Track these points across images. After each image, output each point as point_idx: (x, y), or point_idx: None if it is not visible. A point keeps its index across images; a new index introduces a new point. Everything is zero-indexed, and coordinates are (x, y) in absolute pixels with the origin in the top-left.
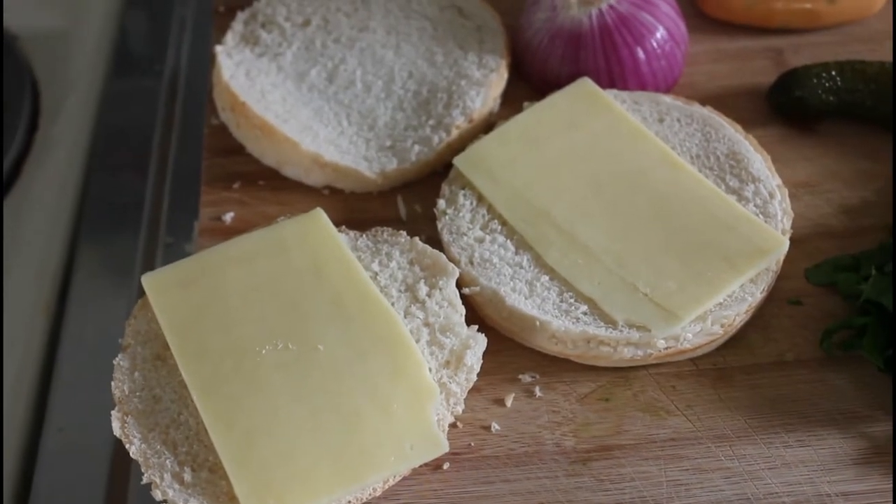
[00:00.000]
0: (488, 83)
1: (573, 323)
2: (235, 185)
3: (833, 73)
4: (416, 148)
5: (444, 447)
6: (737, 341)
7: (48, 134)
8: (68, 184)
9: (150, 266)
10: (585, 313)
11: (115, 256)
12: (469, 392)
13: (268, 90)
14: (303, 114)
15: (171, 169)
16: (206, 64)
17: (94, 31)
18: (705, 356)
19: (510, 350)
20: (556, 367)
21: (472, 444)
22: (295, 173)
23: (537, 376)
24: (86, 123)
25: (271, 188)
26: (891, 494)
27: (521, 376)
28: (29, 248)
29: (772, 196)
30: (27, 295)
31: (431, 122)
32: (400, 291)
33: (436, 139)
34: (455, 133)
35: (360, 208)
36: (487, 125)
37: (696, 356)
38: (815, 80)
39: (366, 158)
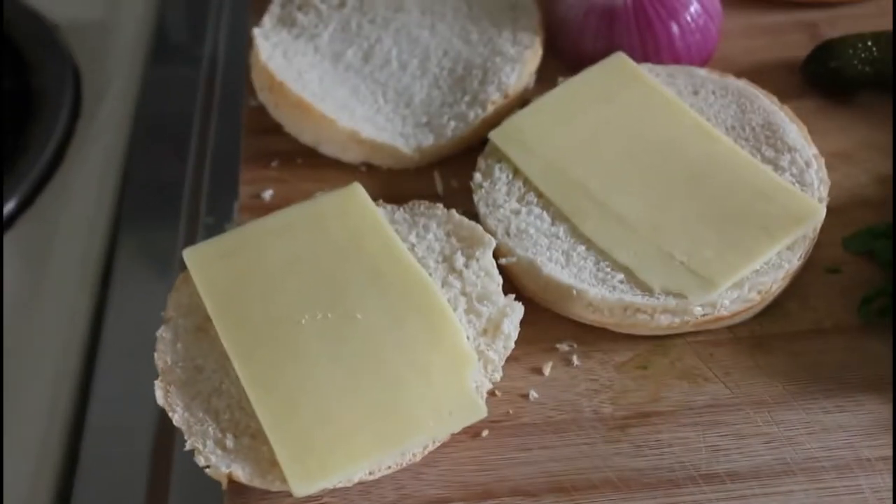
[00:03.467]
0: (523, 59)
1: (610, 291)
2: (274, 164)
3: (869, 43)
4: (452, 124)
5: (483, 412)
6: (774, 309)
7: (90, 121)
8: (110, 168)
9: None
10: (622, 282)
11: (157, 238)
12: (507, 361)
13: (305, 70)
14: (339, 93)
15: (210, 151)
16: (243, 48)
17: (133, 18)
18: (742, 324)
19: (547, 320)
20: (593, 336)
21: (511, 412)
22: (332, 151)
23: (575, 345)
24: (127, 110)
25: (309, 166)
26: None
27: (558, 345)
28: (72, 232)
29: (808, 165)
30: (72, 277)
31: (467, 98)
32: (437, 262)
33: (471, 115)
34: (491, 109)
35: (396, 184)
36: (522, 101)
37: (734, 324)
38: (850, 51)
39: (402, 135)
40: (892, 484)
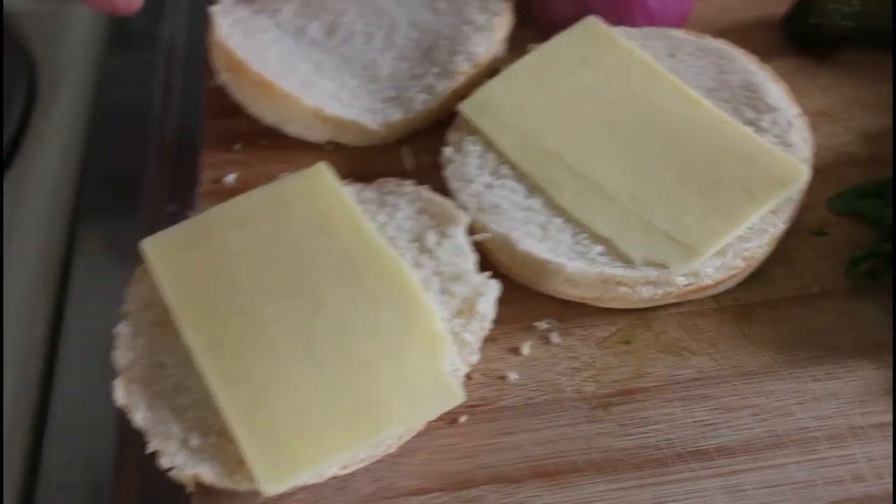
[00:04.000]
0: (492, 27)
1: (589, 264)
2: (236, 147)
3: None
4: (421, 97)
5: (460, 397)
6: (759, 276)
7: (47, 109)
8: (69, 158)
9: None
10: (601, 254)
11: (118, 228)
12: (484, 342)
13: (265, 47)
14: (302, 69)
15: (171, 137)
16: (203, 27)
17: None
18: (727, 293)
19: (525, 297)
20: (572, 311)
21: (489, 396)
22: (297, 130)
23: (554, 322)
24: (84, 97)
25: (273, 147)
26: None
27: (536, 323)
28: (31, 223)
29: (790, 125)
30: (30, 270)
31: (435, 69)
32: (408, 242)
33: (440, 87)
34: (460, 79)
35: (365, 162)
36: (493, 71)
37: (718, 293)
38: (831, 6)
39: (369, 111)
40: (888, 451)
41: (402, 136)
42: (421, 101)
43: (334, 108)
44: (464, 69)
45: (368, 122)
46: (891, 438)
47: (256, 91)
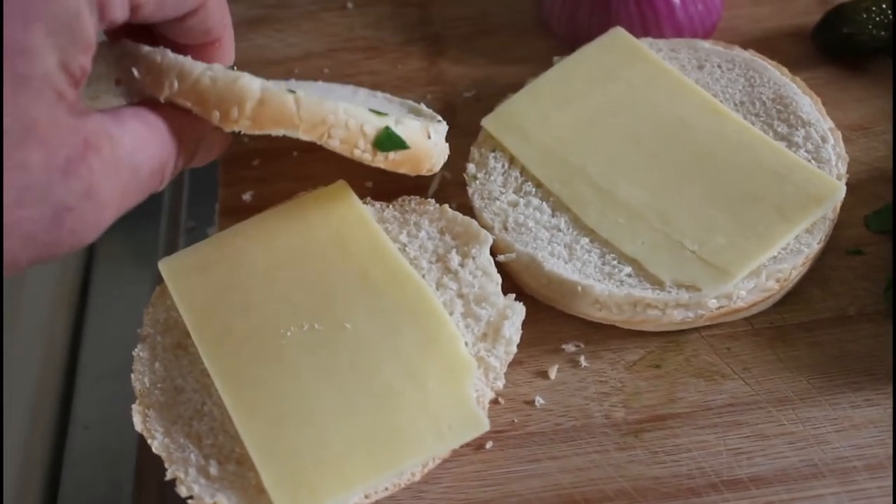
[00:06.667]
0: None
1: (617, 286)
2: (255, 163)
3: (883, 5)
4: None
5: (485, 426)
6: (794, 297)
7: None
8: None
9: (172, 252)
10: (630, 275)
11: (137, 245)
12: (510, 365)
13: None
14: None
15: None
16: None
17: None
18: (761, 314)
19: (551, 319)
20: (601, 334)
21: (516, 421)
22: None
23: (582, 345)
24: None
25: (292, 163)
26: None
27: (564, 346)
28: None
29: (824, 140)
30: (49, 288)
31: None
32: (430, 262)
33: None
34: None
35: (387, 178)
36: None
37: (751, 315)
38: (863, 15)
39: None
40: None
41: None
42: None
43: None
44: None
45: None
46: None
47: None
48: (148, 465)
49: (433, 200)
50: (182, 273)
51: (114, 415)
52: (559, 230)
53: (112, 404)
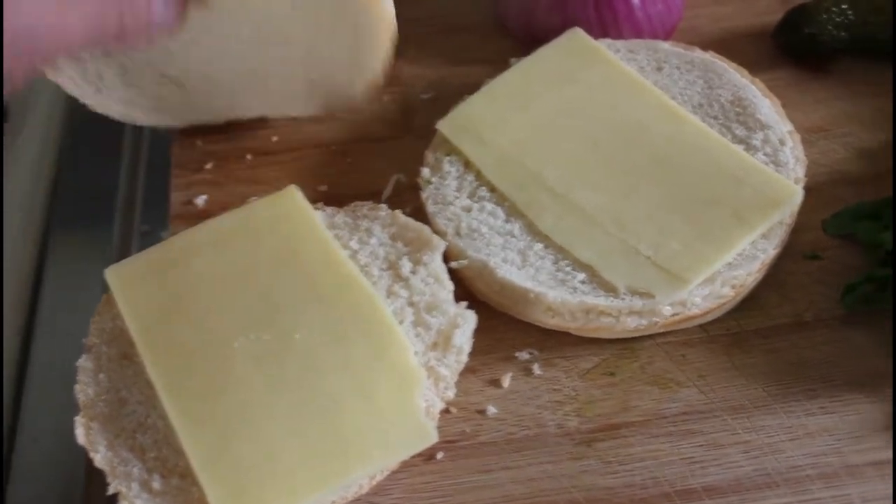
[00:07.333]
0: None
1: (570, 293)
2: (208, 166)
3: (844, 6)
4: None
5: (433, 437)
6: (750, 303)
7: (18, 126)
8: (39, 177)
9: (126, 257)
10: (584, 282)
11: (90, 248)
12: (462, 374)
13: None
14: None
15: (144, 155)
16: None
17: None
18: (716, 321)
19: (505, 326)
20: (555, 341)
21: (468, 431)
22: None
23: (535, 353)
24: (56, 114)
25: (246, 166)
26: None
27: (517, 354)
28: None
29: (782, 143)
30: None
31: None
32: (382, 270)
33: None
34: None
35: (342, 182)
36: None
37: (707, 321)
38: (825, 16)
39: None
40: (887, 492)
41: None
42: None
43: None
44: None
45: None
46: (889, 478)
47: None
48: (96, 479)
49: (385, 206)
50: (129, 281)
51: (64, 427)
52: (513, 236)
53: (63, 416)
